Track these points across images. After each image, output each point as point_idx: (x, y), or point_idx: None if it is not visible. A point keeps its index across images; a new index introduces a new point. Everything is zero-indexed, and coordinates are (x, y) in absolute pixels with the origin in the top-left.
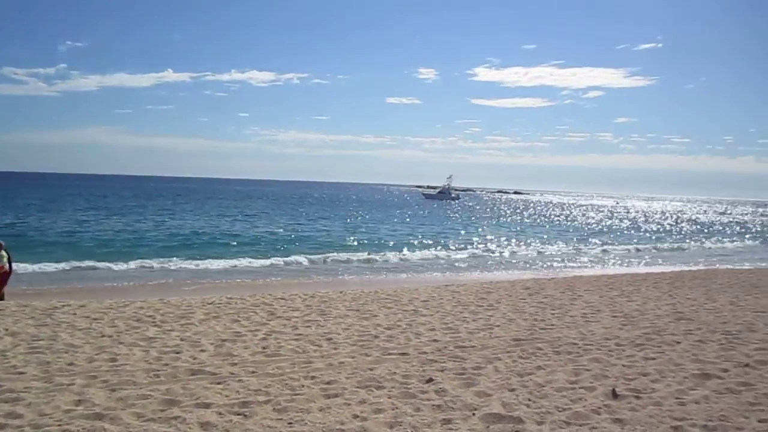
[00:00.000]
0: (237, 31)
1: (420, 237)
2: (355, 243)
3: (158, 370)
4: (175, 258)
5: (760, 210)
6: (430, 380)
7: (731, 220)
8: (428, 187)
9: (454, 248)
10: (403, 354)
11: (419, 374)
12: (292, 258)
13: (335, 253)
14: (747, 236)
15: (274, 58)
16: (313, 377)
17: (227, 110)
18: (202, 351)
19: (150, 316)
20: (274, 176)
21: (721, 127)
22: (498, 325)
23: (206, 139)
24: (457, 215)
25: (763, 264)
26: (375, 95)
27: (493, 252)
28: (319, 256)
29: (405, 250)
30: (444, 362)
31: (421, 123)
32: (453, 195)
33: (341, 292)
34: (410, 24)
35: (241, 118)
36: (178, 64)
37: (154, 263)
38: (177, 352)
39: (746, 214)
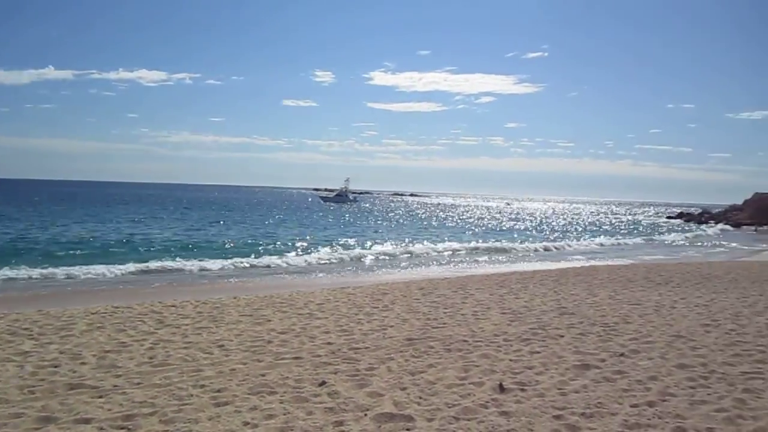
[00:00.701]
0: (124, 28)
1: (317, 239)
2: (253, 246)
3: (33, 386)
4: (60, 267)
5: (652, 210)
6: (323, 383)
7: (619, 220)
8: (326, 189)
9: (351, 249)
10: (297, 358)
11: (312, 378)
12: (185, 263)
13: (231, 258)
14: (630, 234)
15: (164, 57)
16: (202, 386)
17: (115, 110)
18: (83, 364)
19: (26, 328)
20: (165, 179)
21: (602, 132)
22: (392, 326)
23: (92, 140)
24: (354, 217)
25: (649, 259)
26: (271, 97)
27: (389, 253)
28: (214, 261)
29: (302, 253)
30: (337, 364)
31: (318, 125)
32: (351, 197)
33: (235, 298)
34: (306, 26)
35: (131, 118)
36: (60, 61)
37: (32, 272)
38: (55, 366)
39: (642, 214)
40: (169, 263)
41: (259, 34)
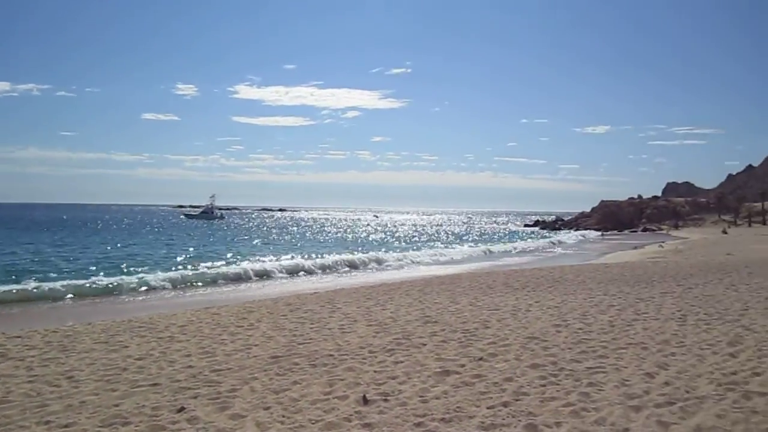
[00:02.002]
0: None
1: (180, 259)
2: (109, 268)
3: None
4: None
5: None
6: (181, 409)
7: (481, 229)
8: (191, 207)
9: (217, 268)
10: (154, 384)
11: (171, 404)
12: (28, 287)
13: (83, 281)
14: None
15: (8, 66)
16: (47, 422)
17: None
18: None
19: None
20: (11, 198)
21: (463, 146)
22: (257, 344)
23: None
24: (221, 234)
25: (512, 263)
26: (129, 110)
27: (256, 270)
28: (63, 283)
29: (162, 274)
30: (198, 388)
31: (181, 140)
32: (217, 214)
33: (89, 324)
34: (167, 37)
35: None
36: None
37: None
38: None
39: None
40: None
41: (116, 43)
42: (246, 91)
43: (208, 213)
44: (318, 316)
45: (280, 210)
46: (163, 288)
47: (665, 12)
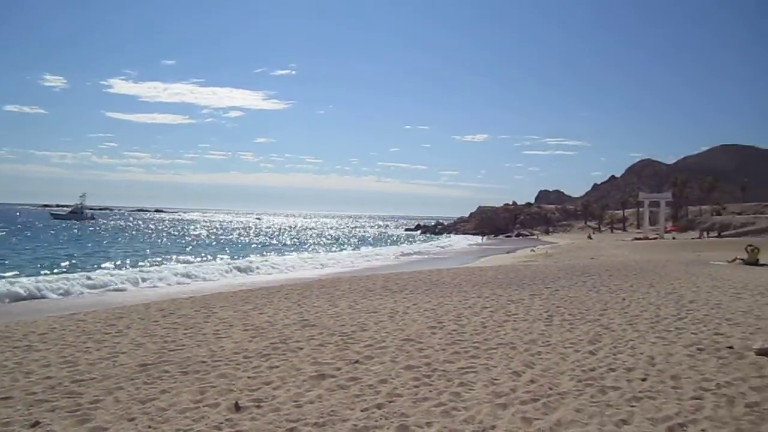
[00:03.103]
0: None
1: (44, 262)
2: None
3: None
4: None
5: (380, 223)
6: (36, 424)
7: (364, 232)
8: (58, 206)
9: (84, 272)
10: (6, 398)
11: (24, 419)
12: None
13: None
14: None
15: None
16: None
17: None
18: None
19: None
20: None
21: (347, 150)
22: (124, 352)
23: None
24: (91, 236)
25: (390, 266)
26: None
27: (130, 274)
28: None
29: (22, 278)
30: (56, 401)
31: (48, 135)
32: (87, 215)
33: None
34: (34, 25)
35: None
36: None
37: None
38: None
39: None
40: None
41: None
42: (121, 86)
43: (77, 213)
44: (192, 321)
45: (157, 211)
46: (25, 295)
47: (546, 26)
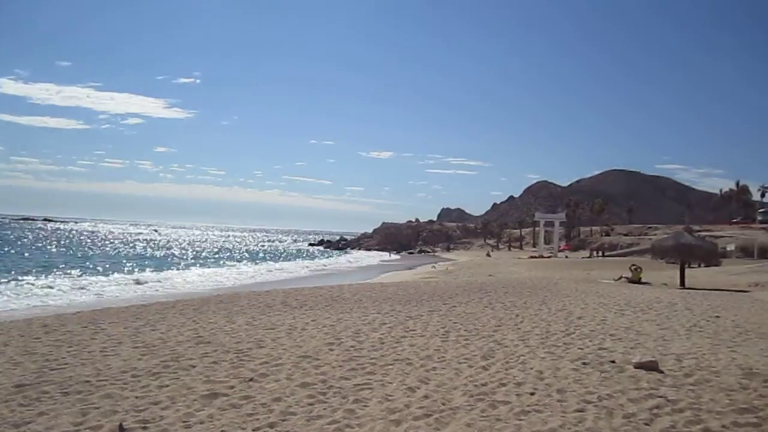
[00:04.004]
0: None
1: None
2: None
3: None
4: None
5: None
6: None
7: (269, 246)
8: None
9: None
10: None
11: None
12: None
13: None
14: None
15: None
16: None
17: None
18: None
19: None
20: None
21: (252, 162)
22: (0, 372)
23: None
24: None
25: (289, 282)
26: None
27: (9, 289)
28: None
29: None
30: None
31: None
32: None
33: None
34: None
35: None
36: None
37: None
38: None
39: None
40: None
41: None
42: (10, 86)
43: None
44: (78, 338)
45: (45, 220)
46: None
47: (450, 48)
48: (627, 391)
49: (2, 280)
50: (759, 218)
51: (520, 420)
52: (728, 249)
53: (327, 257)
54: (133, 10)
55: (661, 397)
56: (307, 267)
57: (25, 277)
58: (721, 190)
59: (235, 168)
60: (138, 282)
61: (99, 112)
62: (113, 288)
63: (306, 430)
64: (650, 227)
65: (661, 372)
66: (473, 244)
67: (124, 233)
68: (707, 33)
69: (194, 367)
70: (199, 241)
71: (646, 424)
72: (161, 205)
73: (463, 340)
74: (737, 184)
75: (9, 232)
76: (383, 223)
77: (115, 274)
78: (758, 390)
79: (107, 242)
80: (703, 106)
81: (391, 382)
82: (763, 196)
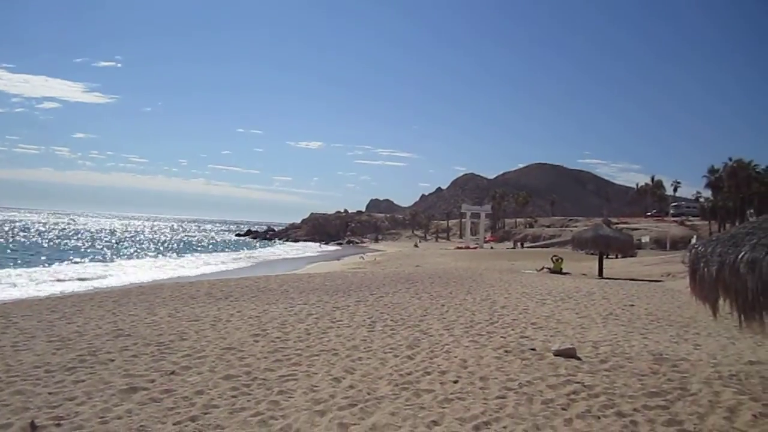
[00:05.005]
0: None
1: None
2: None
3: None
4: None
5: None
6: None
7: (192, 237)
8: None
9: None
10: None
11: None
12: None
13: None
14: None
15: None
16: None
17: None
18: None
19: None
20: None
21: (176, 150)
22: None
23: None
24: None
25: (214, 273)
26: None
27: None
28: None
29: None
30: None
31: None
32: None
33: None
34: None
35: None
36: None
37: None
38: None
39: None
40: None
41: None
42: None
43: None
44: None
45: None
46: None
47: (380, 39)
48: (546, 377)
49: None
50: (671, 212)
51: (443, 408)
52: (643, 241)
53: (252, 248)
54: None
55: (578, 383)
56: (233, 258)
57: None
58: (637, 185)
59: (159, 156)
60: (53, 275)
61: (12, 95)
62: (25, 280)
63: (229, 422)
64: (571, 219)
65: (579, 359)
66: (401, 235)
67: (37, 222)
68: (634, 31)
69: (113, 360)
70: (119, 231)
71: (564, 409)
72: (80, 193)
73: (390, 330)
74: (652, 179)
75: None
76: (312, 213)
77: (27, 266)
78: (667, 374)
79: (18, 231)
80: (623, 104)
81: (316, 373)
82: (675, 190)
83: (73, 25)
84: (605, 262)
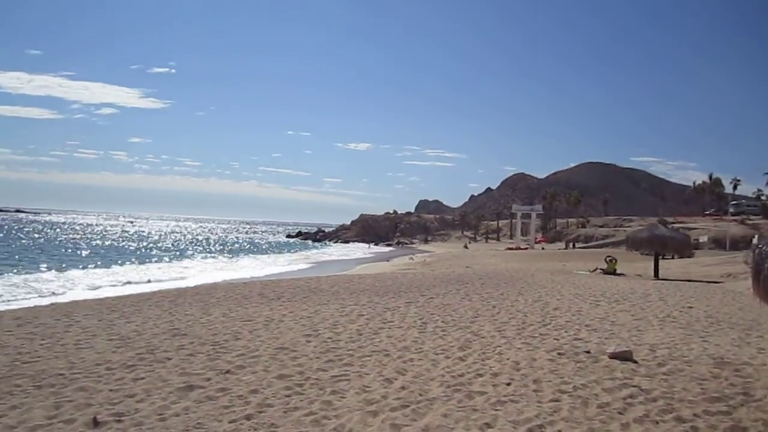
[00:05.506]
0: None
1: None
2: None
3: None
4: None
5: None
6: None
7: (245, 238)
8: None
9: None
10: None
11: None
12: None
13: None
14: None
15: None
16: None
17: None
18: None
19: None
20: None
21: (228, 153)
22: None
23: None
24: None
25: (268, 275)
26: None
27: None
28: None
29: None
30: None
31: None
32: None
33: None
34: None
35: None
36: None
37: None
38: None
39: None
40: None
41: None
42: None
43: None
44: (51, 331)
45: (18, 211)
46: None
47: (427, 41)
48: (602, 381)
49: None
50: (731, 210)
51: (496, 410)
52: (701, 241)
53: (305, 249)
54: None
55: (634, 386)
56: (292, 260)
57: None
58: (694, 183)
59: (212, 159)
60: (113, 275)
61: (72, 101)
62: (89, 279)
63: (283, 421)
64: (625, 219)
65: (635, 362)
66: (451, 235)
67: (98, 224)
68: (686, 28)
69: (170, 359)
70: (175, 232)
71: (620, 413)
72: (136, 196)
73: (441, 332)
74: (710, 176)
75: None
76: (361, 214)
77: (91, 266)
78: (729, 379)
79: (81, 234)
80: (678, 99)
81: (368, 374)
82: (735, 188)
83: (128, 33)
84: (661, 262)
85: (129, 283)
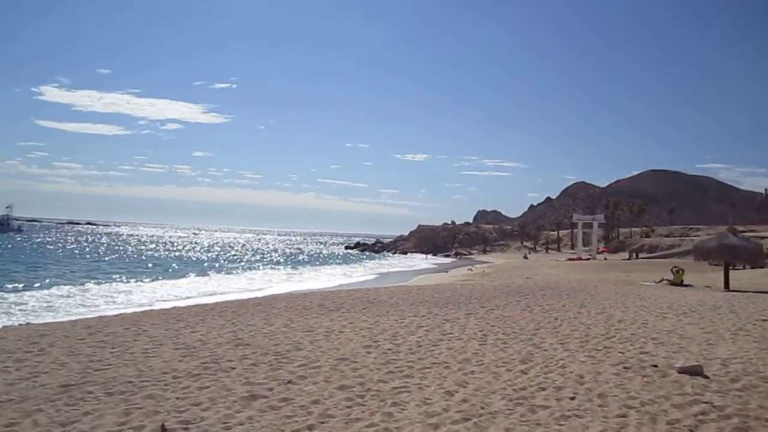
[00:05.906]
0: None
1: None
2: None
3: None
4: None
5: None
6: None
7: (304, 250)
8: None
9: (9, 290)
10: None
11: None
12: None
13: None
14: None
15: None
16: None
17: None
18: None
19: None
20: None
21: (287, 166)
22: (46, 372)
23: None
24: (19, 250)
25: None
26: None
27: (60, 291)
28: None
29: None
30: None
31: None
32: (14, 226)
33: None
34: None
35: None
36: None
37: None
38: None
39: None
40: None
41: None
42: (53, 94)
43: (3, 224)
44: (120, 340)
45: (89, 224)
46: None
47: (485, 54)
48: (670, 396)
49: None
50: None
51: (560, 425)
52: None
53: (364, 260)
54: (169, 19)
55: (706, 402)
56: (344, 271)
57: (85, 282)
58: (766, 190)
59: (271, 171)
60: (179, 285)
61: (138, 117)
62: (155, 289)
63: None
64: (692, 228)
65: (706, 377)
66: (510, 246)
67: (164, 236)
68: (754, 27)
69: (234, 368)
70: (238, 244)
71: (691, 431)
72: (199, 209)
73: (501, 344)
74: None
75: (44, 236)
76: (419, 225)
77: (159, 277)
78: None
79: (151, 245)
80: (747, 103)
81: (429, 386)
82: None
83: (191, 50)
84: (732, 273)
85: (195, 295)
